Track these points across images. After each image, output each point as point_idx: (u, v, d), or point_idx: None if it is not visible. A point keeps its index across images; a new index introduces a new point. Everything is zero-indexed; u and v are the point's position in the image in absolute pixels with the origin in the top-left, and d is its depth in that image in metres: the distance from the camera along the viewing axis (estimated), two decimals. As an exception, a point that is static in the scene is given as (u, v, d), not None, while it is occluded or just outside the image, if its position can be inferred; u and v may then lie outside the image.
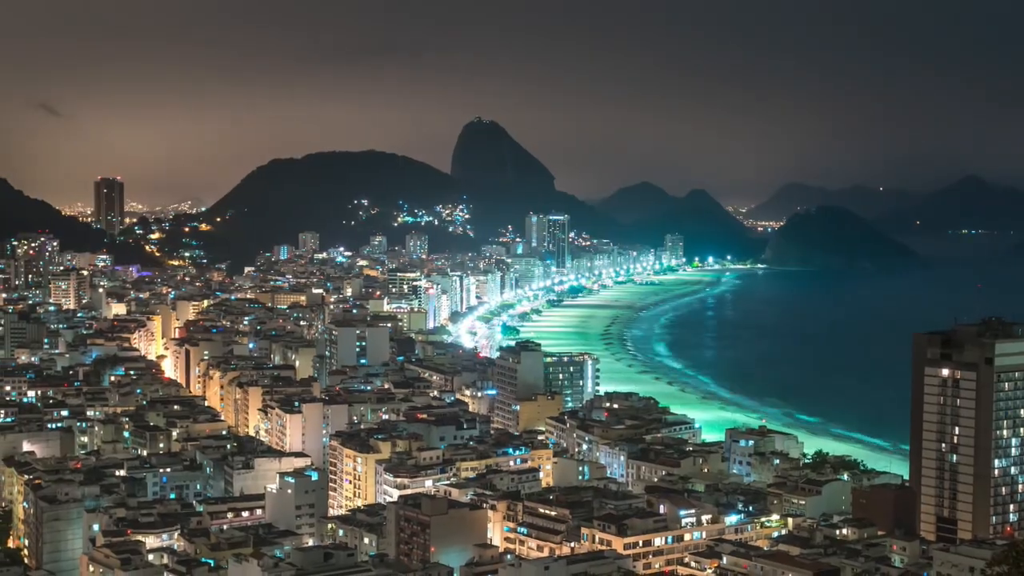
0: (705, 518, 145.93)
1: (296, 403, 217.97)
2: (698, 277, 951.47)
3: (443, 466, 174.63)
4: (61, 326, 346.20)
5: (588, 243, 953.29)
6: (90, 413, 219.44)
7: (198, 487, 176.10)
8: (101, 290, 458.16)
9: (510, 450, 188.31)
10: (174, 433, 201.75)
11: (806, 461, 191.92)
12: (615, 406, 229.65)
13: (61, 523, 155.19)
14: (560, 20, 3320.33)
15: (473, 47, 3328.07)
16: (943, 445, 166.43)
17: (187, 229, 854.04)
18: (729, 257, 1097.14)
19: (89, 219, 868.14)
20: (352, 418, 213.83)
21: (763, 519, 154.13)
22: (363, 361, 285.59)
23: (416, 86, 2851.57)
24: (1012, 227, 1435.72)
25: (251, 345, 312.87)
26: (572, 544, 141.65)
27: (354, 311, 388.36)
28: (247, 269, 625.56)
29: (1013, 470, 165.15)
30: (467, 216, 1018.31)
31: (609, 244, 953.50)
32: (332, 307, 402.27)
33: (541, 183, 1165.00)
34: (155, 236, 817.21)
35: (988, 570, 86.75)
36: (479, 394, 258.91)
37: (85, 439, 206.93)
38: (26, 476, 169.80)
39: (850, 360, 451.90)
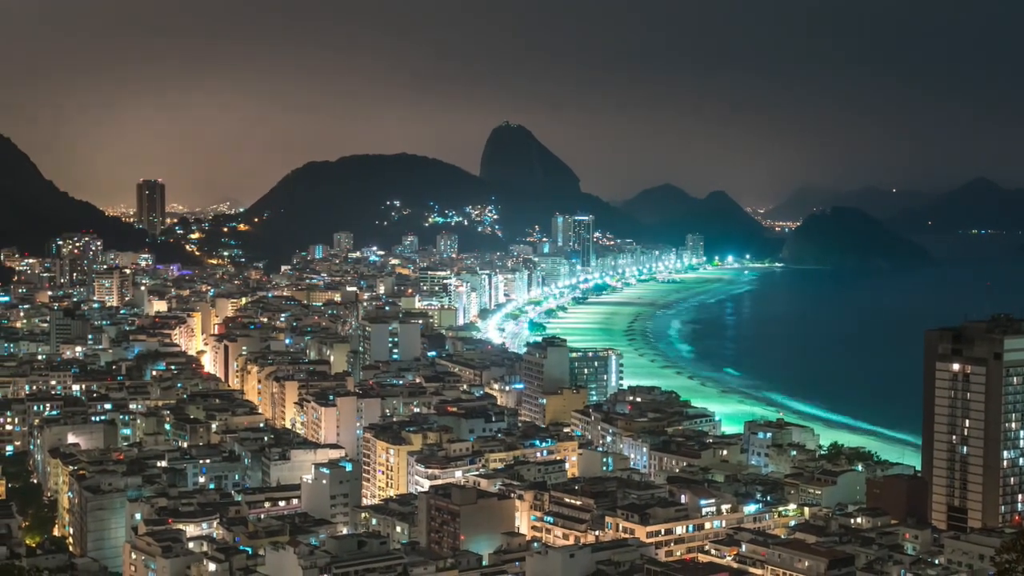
0: (725, 507, 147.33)
1: (331, 397, 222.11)
2: (718, 275, 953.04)
3: (472, 457, 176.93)
4: (105, 323, 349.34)
5: (612, 243, 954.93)
6: (132, 406, 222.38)
7: (236, 477, 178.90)
8: (143, 288, 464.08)
9: (537, 442, 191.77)
10: (213, 426, 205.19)
11: (822, 453, 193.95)
12: (638, 399, 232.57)
13: (104, 512, 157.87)
14: (585, 29, 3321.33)
15: (502, 54, 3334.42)
16: (954, 437, 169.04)
17: (226, 229, 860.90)
18: (748, 256, 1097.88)
19: (131, 219, 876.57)
20: (385, 411, 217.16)
21: (780, 508, 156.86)
22: (395, 356, 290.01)
23: (447, 91, 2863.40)
24: (1020, 227, 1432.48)
25: (287, 341, 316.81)
26: (597, 532, 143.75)
27: (387, 308, 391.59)
28: (284, 268, 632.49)
29: (1021, 461, 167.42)
30: (495, 216, 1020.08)
31: (632, 244, 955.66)
32: (365, 304, 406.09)
33: (567, 185, 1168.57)
34: (195, 236, 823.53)
35: (997, 557, 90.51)
36: (507, 388, 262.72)
37: (128, 431, 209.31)
38: (71, 467, 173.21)
39: (864, 355, 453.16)
